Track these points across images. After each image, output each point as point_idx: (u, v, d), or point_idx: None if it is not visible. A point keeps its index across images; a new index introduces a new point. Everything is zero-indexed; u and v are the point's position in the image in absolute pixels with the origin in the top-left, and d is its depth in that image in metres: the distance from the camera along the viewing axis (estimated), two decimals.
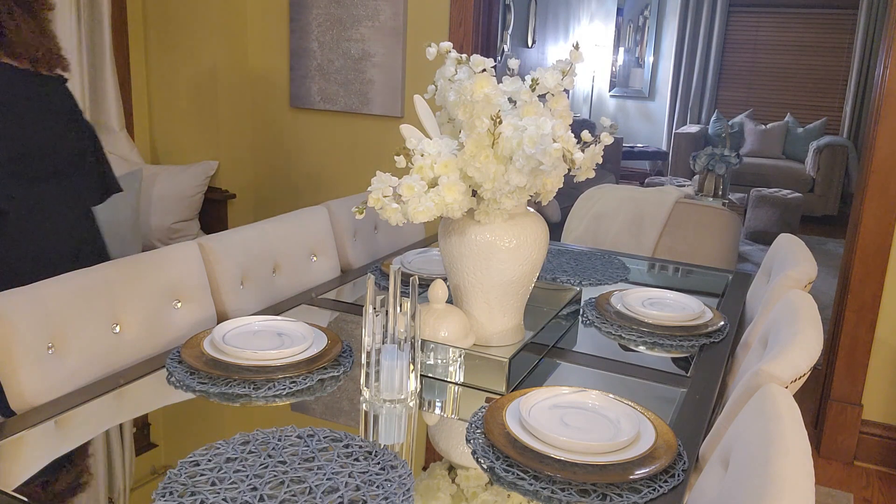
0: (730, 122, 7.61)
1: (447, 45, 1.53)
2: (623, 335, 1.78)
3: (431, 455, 1.26)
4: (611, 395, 1.34)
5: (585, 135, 1.51)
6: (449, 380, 1.51)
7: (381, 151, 3.42)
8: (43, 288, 1.46)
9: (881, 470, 2.84)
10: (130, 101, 3.65)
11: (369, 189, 1.45)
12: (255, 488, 1.06)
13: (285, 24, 3.48)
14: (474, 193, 1.51)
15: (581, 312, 1.90)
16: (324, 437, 1.21)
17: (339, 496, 1.05)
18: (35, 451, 1.24)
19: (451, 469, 1.20)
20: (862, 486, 2.74)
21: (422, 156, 1.46)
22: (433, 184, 1.46)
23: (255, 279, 1.97)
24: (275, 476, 1.10)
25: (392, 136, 3.36)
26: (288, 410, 1.36)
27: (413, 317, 1.37)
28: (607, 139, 1.51)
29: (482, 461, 1.20)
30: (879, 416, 2.84)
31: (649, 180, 6.45)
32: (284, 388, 1.41)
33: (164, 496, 1.04)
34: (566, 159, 1.39)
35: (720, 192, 5.25)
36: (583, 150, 1.47)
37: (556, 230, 3.15)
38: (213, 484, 1.07)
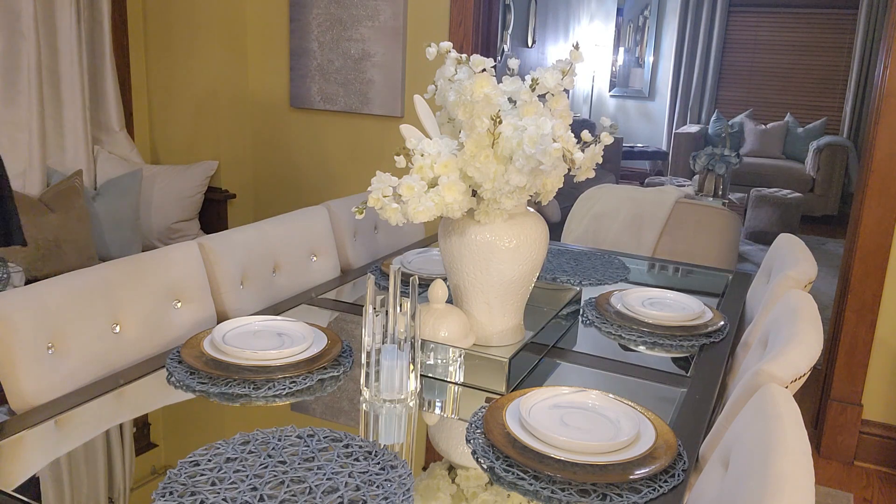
0: (730, 122, 7.60)
1: (447, 45, 1.53)
2: (623, 335, 1.78)
3: (431, 455, 1.26)
4: (611, 395, 1.34)
5: (585, 135, 1.50)
6: (449, 380, 1.51)
7: (381, 151, 3.42)
8: (43, 288, 1.46)
9: (881, 470, 2.84)
10: (130, 101, 3.65)
11: (369, 189, 1.45)
12: (255, 488, 1.06)
13: (285, 24, 3.48)
14: (474, 193, 1.51)
15: (581, 312, 1.90)
16: (324, 437, 1.21)
17: (339, 496, 1.05)
18: (35, 451, 1.24)
19: (451, 469, 1.20)
20: (862, 486, 2.74)
21: (422, 156, 1.46)
22: (433, 184, 1.46)
23: (255, 279, 1.97)
24: (275, 476, 1.09)
25: (392, 136, 3.36)
26: (288, 410, 1.36)
27: (413, 317, 1.37)
28: (607, 139, 1.51)
29: (482, 461, 1.20)
30: (879, 416, 2.84)
31: (649, 180, 6.45)
32: (284, 388, 1.41)
33: (164, 496, 1.04)
34: (566, 159, 1.39)
35: (720, 192, 5.25)
36: (583, 150, 1.47)
37: (556, 230, 3.15)
38: (213, 484, 1.07)
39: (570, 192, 4.06)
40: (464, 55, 1.49)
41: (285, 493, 1.06)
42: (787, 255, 1.92)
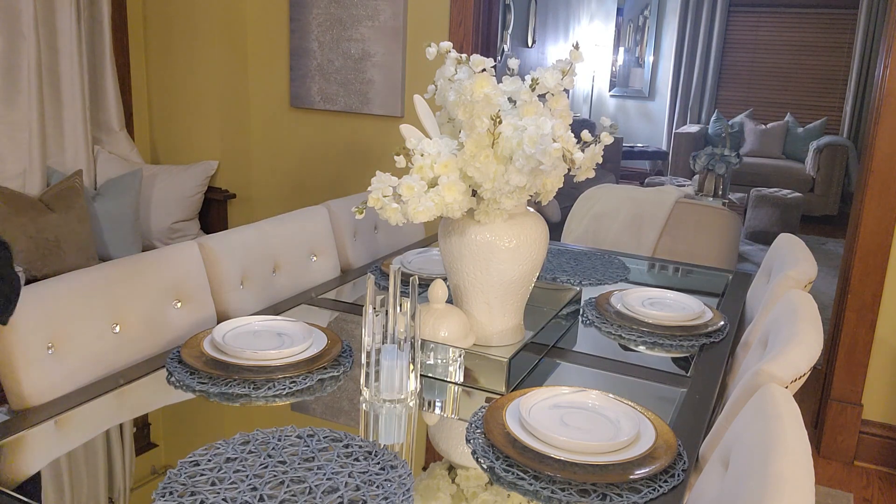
0: (730, 122, 7.61)
1: (447, 45, 1.53)
2: (623, 335, 1.78)
3: (431, 455, 1.26)
4: (611, 395, 1.34)
5: (585, 135, 1.50)
6: (449, 380, 1.51)
7: (381, 151, 3.42)
8: (43, 288, 1.46)
9: (881, 470, 2.84)
10: (130, 101, 3.65)
11: (369, 189, 1.45)
12: (255, 488, 1.06)
13: (285, 24, 3.48)
14: (474, 193, 1.51)
15: (581, 312, 1.90)
16: (324, 437, 1.21)
17: (339, 496, 1.05)
18: (35, 451, 1.24)
19: (451, 469, 1.20)
20: (862, 486, 2.74)
21: (422, 156, 1.46)
22: (433, 184, 1.46)
23: (255, 279, 1.97)
24: (275, 476, 1.09)
25: (392, 136, 3.36)
26: (288, 410, 1.36)
27: (413, 317, 1.37)
28: (607, 139, 1.51)
29: (482, 461, 1.20)
30: (879, 416, 2.84)
31: (649, 180, 6.45)
32: (284, 388, 1.41)
33: (164, 496, 1.04)
34: (566, 159, 1.39)
35: (720, 192, 5.25)
36: (583, 150, 1.47)
37: (556, 230, 3.15)
38: (213, 484, 1.07)
39: (570, 192, 4.06)
40: (464, 55, 1.49)
41: (285, 493, 1.06)
42: (787, 255, 1.92)
